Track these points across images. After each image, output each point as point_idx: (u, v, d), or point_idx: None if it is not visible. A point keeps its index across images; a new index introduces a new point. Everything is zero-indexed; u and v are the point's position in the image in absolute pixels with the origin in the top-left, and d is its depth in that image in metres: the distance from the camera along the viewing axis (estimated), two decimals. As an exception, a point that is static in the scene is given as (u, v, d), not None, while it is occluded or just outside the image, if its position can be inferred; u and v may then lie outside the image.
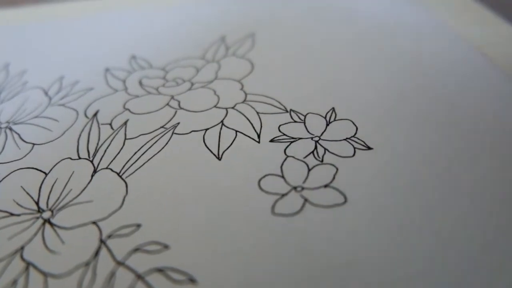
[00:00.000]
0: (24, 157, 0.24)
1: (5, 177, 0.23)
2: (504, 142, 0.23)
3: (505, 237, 0.19)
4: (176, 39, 0.33)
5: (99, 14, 0.37)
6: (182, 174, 0.22)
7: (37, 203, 0.21)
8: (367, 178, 0.21)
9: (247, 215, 0.20)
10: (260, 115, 0.25)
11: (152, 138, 0.24)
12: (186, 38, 0.33)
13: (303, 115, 0.25)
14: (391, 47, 0.30)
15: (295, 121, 0.25)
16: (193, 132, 0.24)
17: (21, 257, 0.19)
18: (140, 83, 0.29)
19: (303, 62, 0.29)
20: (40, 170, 0.23)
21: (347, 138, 0.23)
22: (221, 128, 0.24)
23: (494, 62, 0.28)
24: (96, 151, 0.24)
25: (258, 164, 0.22)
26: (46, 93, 0.28)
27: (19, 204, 0.21)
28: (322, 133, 0.24)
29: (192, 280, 0.18)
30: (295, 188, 0.21)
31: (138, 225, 0.20)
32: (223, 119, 0.25)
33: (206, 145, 0.24)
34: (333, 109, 0.25)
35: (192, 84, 0.28)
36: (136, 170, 0.23)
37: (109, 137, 0.25)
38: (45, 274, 0.18)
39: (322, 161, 0.22)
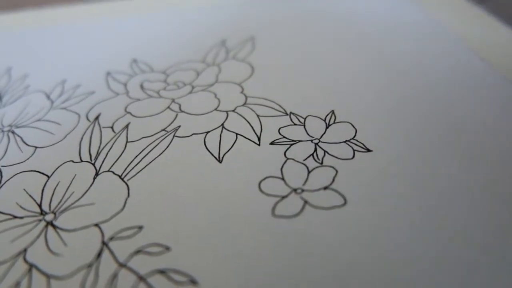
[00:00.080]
0: (26, 160, 0.24)
1: (8, 180, 0.23)
2: (503, 144, 0.23)
3: (505, 238, 0.19)
4: (177, 43, 0.33)
5: (100, 18, 0.37)
6: (183, 176, 0.22)
7: (39, 206, 0.21)
8: (366, 180, 0.21)
9: (247, 217, 0.20)
10: (260, 118, 0.25)
11: (153, 141, 0.24)
12: (186, 42, 0.33)
13: (303, 117, 0.25)
14: (390, 50, 0.30)
15: (295, 124, 0.25)
16: (194, 135, 0.25)
17: (24, 259, 0.19)
18: (141, 86, 0.29)
19: (302, 65, 0.30)
20: (43, 173, 0.23)
21: (346, 141, 0.24)
22: (221, 131, 0.25)
23: (493, 64, 0.28)
24: (98, 154, 0.24)
25: (259, 166, 0.22)
26: (48, 97, 0.28)
27: (22, 207, 0.21)
28: (322, 135, 0.24)
29: (193, 282, 0.18)
30: (295, 190, 0.21)
31: (140, 227, 0.20)
32: (224, 122, 0.25)
33: (207, 148, 0.24)
34: (333, 111, 0.25)
35: (193, 87, 0.28)
36: (137, 172, 0.23)
37: (110, 140, 0.25)
38: (48, 276, 0.19)
39: (321, 163, 0.22)
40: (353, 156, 0.23)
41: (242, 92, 0.28)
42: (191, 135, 0.25)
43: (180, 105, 0.27)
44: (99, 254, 0.19)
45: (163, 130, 0.25)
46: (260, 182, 0.22)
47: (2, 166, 0.24)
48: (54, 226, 0.20)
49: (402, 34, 0.32)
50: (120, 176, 0.23)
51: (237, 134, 0.24)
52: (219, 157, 0.23)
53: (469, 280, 0.17)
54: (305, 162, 0.22)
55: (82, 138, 0.25)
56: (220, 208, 0.21)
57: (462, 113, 0.25)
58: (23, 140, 0.25)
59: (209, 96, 0.27)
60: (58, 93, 0.29)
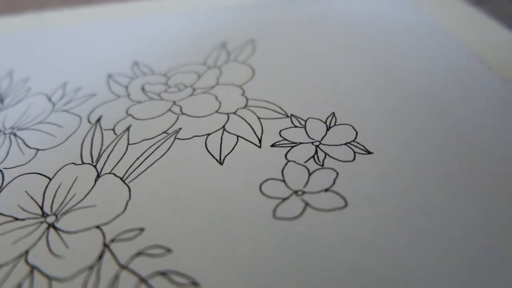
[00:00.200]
0: (28, 162, 0.24)
1: (9, 182, 0.23)
2: (502, 145, 0.23)
3: (505, 238, 0.19)
4: (178, 46, 0.33)
5: (102, 21, 0.37)
6: (185, 178, 0.22)
7: (41, 208, 0.21)
8: (367, 182, 0.21)
9: (248, 219, 0.20)
10: (261, 120, 0.25)
11: (154, 143, 0.24)
12: (187, 44, 0.33)
13: (303, 120, 0.25)
14: (391, 53, 0.31)
15: (295, 126, 0.25)
16: (195, 137, 0.25)
17: (26, 261, 0.19)
18: (143, 89, 0.29)
19: (303, 67, 0.30)
20: (44, 175, 0.23)
21: (347, 143, 0.24)
22: (222, 133, 0.25)
23: (492, 67, 0.29)
24: (99, 156, 0.24)
25: (259, 168, 0.23)
26: (49, 99, 0.29)
27: (23, 209, 0.22)
28: (323, 137, 0.24)
29: (195, 284, 0.18)
30: (296, 192, 0.21)
31: (141, 229, 0.20)
32: (225, 124, 0.25)
33: (208, 150, 0.24)
34: (333, 114, 0.25)
35: (194, 89, 0.28)
36: (139, 175, 0.23)
37: (112, 142, 0.25)
38: (49, 278, 0.19)
39: (322, 165, 0.22)
40: (354, 158, 0.23)
41: (243, 94, 0.28)
42: (192, 137, 0.25)
43: (181, 108, 0.27)
44: (100, 256, 0.19)
45: (164, 132, 0.25)
46: (261, 184, 0.22)
47: (4, 168, 0.24)
48: (55, 228, 0.20)
49: (402, 37, 0.32)
50: (121, 178, 0.23)
51: (238, 136, 0.25)
52: (220, 159, 0.23)
53: (469, 280, 0.17)
54: (306, 164, 0.22)
55: (83, 141, 0.25)
56: (221, 210, 0.21)
57: (462, 115, 0.25)
58: (25, 143, 0.25)
59: (210, 99, 0.27)
60: (59, 95, 0.29)
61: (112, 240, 0.20)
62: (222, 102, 0.27)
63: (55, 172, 0.23)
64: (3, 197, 0.22)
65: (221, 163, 0.23)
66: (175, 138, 0.25)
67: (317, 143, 0.24)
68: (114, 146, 0.24)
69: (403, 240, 0.19)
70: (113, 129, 0.26)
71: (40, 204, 0.22)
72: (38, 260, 0.19)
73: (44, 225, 0.21)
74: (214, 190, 0.22)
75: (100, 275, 0.18)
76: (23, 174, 0.23)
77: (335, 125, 0.25)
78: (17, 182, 0.23)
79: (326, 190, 0.21)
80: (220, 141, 0.24)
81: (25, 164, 0.24)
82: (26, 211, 0.21)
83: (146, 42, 0.34)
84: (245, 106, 0.27)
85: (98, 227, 0.20)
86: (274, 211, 0.20)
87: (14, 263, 0.19)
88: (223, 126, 0.25)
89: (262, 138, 0.24)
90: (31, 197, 0.22)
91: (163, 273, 0.18)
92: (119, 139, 0.25)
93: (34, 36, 0.36)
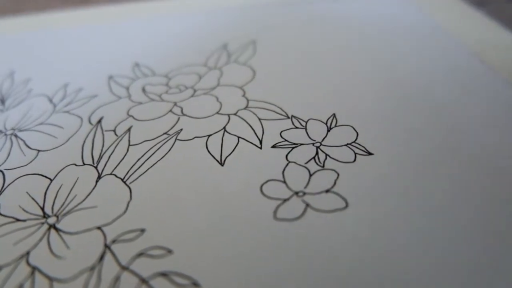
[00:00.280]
0: (29, 163, 0.24)
1: (10, 183, 0.23)
2: (503, 146, 0.23)
3: (505, 238, 0.19)
4: (179, 47, 0.33)
5: (103, 22, 0.37)
6: (185, 179, 0.22)
7: (42, 209, 0.22)
8: (368, 183, 0.21)
9: (249, 220, 0.20)
10: (262, 121, 0.26)
11: (155, 144, 0.25)
12: (188, 46, 0.33)
13: (304, 121, 0.25)
14: (391, 53, 0.31)
15: (296, 127, 0.25)
16: (196, 138, 0.25)
17: (27, 262, 0.19)
18: (143, 90, 0.29)
19: (304, 68, 0.30)
20: (45, 176, 0.23)
21: (348, 144, 0.24)
22: (223, 134, 0.25)
23: (493, 67, 0.29)
24: (100, 157, 0.24)
25: (260, 169, 0.23)
26: (50, 100, 0.29)
27: (24, 210, 0.22)
28: (323, 139, 0.24)
29: (195, 284, 0.18)
30: (296, 193, 0.21)
31: (142, 230, 0.20)
32: (226, 125, 0.25)
33: (208, 151, 0.24)
34: (334, 115, 0.25)
35: (195, 91, 0.29)
36: (140, 176, 0.23)
37: (113, 143, 0.25)
38: (50, 279, 0.19)
39: (323, 166, 0.22)
40: (355, 159, 0.23)
41: (243, 95, 0.28)
42: (193, 138, 0.25)
43: (182, 109, 0.27)
44: (101, 257, 0.19)
45: (165, 133, 0.25)
46: (261, 185, 0.22)
47: (5, 169, 0.24)
48: (56, 229, 0.21)
49: (402, 37, 0.32)
50: (122, 179, 0.23)
51: (238, 137, 0.25)
52: (221, 160, 0.23)
53: (469, 280, 0.17)
54: (306, 165, 0.23)
55: (84, 142, 0.25)
56: (222, 211, 0.21)
57: (462, 116, 0.25)
58: (26, 144, 0.25)
59: (211, 100, 0.28)
60: (60, 96, 0.29)
61: (113, 241, 0.20)
62: (223, 103, 0.27)
63: (56, 173, 0.23)
64: (4, 198, 0.22)
65: (222, 164, 0.23)
66: (176, 139, 0.25)
67: (317, 144, 0.24)
68: (115, 147, 0.25)
69: (403, 240, 0.19)
70: (114, 130, 0.26)
71: (41, 205, 0.22)
72: (39, 261, 0.19)
73: (45, 226, 0.21)
74: (215, 191, 0.22)
75: (101, 276, 0.19)
76: (24, 175, 0.23)
77: (335, 126, 0.25)
78: (18, 183, 0.23)
79: (327, 191, 0.21)
80: (221, 142, 0.24)
81: (26, 165, 0.24)
82: (27, 212, 0.21)
83: (147, 43, 0.34)
84: (246, 107, 0.27)
85: (99, 228, 0.20)
86: (275, 212, 0.20)
87: (15, 264, 0.19)
88: (224, 127, 0.25)
89: (263, 139, 0.24)
90: (32, 198, 0.22)
91: (164, 274, 0.18)
92: (120, 140, 0.25)
93: (36, 37, 0.36)
